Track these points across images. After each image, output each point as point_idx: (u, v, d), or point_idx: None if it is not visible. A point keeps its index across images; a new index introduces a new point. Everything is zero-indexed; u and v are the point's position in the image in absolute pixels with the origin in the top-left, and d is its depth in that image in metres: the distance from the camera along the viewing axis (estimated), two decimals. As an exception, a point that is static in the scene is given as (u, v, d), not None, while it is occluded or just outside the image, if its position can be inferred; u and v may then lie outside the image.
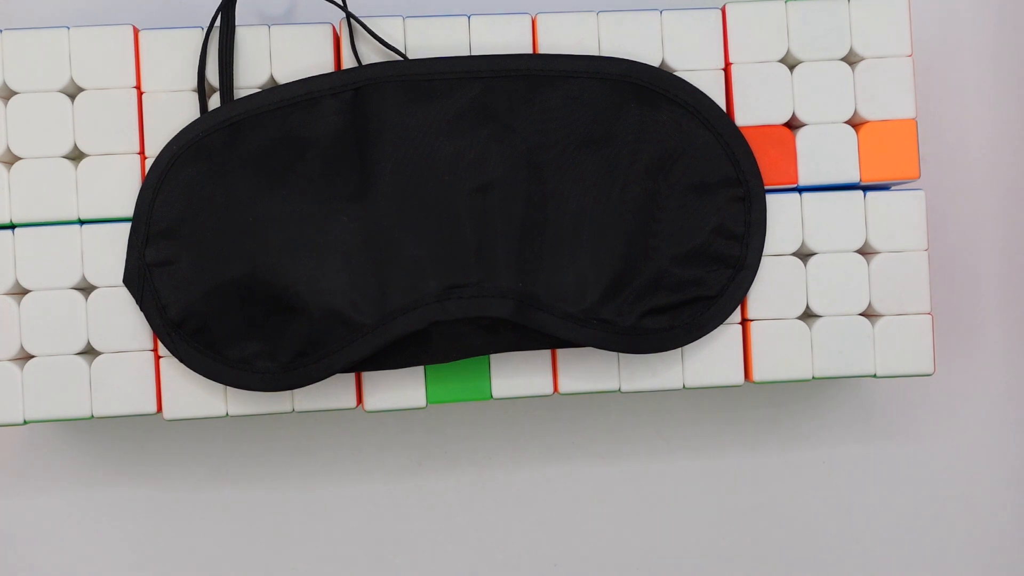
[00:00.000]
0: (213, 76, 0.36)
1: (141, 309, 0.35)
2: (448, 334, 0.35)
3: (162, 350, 0.35)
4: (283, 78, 0.36)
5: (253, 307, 0.34)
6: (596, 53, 0.37)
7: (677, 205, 0.36)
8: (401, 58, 0.36)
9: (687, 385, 0.37)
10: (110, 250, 0.35)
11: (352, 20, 0.36)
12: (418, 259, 0.34)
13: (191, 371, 0.35)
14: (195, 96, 0.36)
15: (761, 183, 0.36)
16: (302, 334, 0.34)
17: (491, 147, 0.35)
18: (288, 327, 0.34)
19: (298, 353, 0.34)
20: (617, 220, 0.35)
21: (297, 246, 0.34)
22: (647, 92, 0.36)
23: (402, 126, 0.35)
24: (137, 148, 0.36)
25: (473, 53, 0.36)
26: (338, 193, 0.35)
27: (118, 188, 0.35)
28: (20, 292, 0.35)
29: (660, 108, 0.36)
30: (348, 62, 0.36)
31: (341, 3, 0.36)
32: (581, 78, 0.36)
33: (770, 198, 0.37)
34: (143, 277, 0.34)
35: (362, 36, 0.36)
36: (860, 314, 0.37)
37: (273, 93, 0.35)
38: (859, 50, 0.37)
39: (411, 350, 0.35)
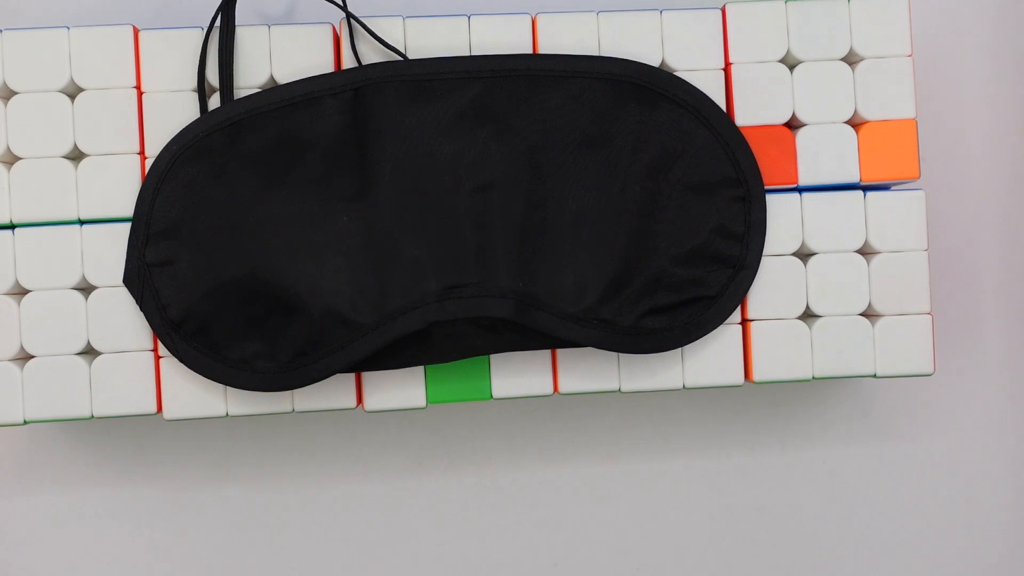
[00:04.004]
0: (213, 76, 0.36)
1: (141, 309, 0.35)
2: (448, 334, 0.35)
3: (162, 350, 0.35)
4: (283, 78, 0.36)
5: (253, 307, 0.34)
6: (596, 53, 0.37)
7: (677, 205, 0.36)
8: (401, 58, 0.36)
9: (687, 385, 0.37)
10: (110, 250, 0.35)
11: (352, 20, 0.36)
12: (418, 259, 0.34)
13: (191, 371, 0.35)
14: (195, 96, 0.36)
15: (761, 183, 0.36)
16: (302, 334, 0.34)
17: (491, 147, 0.35)
18: (288, 327, 0.34)
19: (298, 353, 0.34)
20: (617, 220, 0.35)
21: (297, 246, 0.34)
22: (647, 92, 0.36)
23: (402, 126, 0.35)
24: (137, 148, 0.36)
25: (473, 53, 0.36)
26: (338, 193, 0.35)
27: (118, 188, 0.35)
28: (20, 292, 0.35)
29: (660, 108, 0.36)
30: (348, 62, 0.36)
31: (341, 3, 0.36)
32: (581, 78, 0.36)
33: (770, 198, 0.37)
34: (143, 277, 0.34)
35: (362, 36, 0.36)
36: (860, 314, 0.37)
37: (273, 93, 0.35)
38: (859, 50, 0.37)
39: (411, 350, 0.35)
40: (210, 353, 0.34)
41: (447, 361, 0.35)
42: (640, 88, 0.36)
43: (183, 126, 0.35)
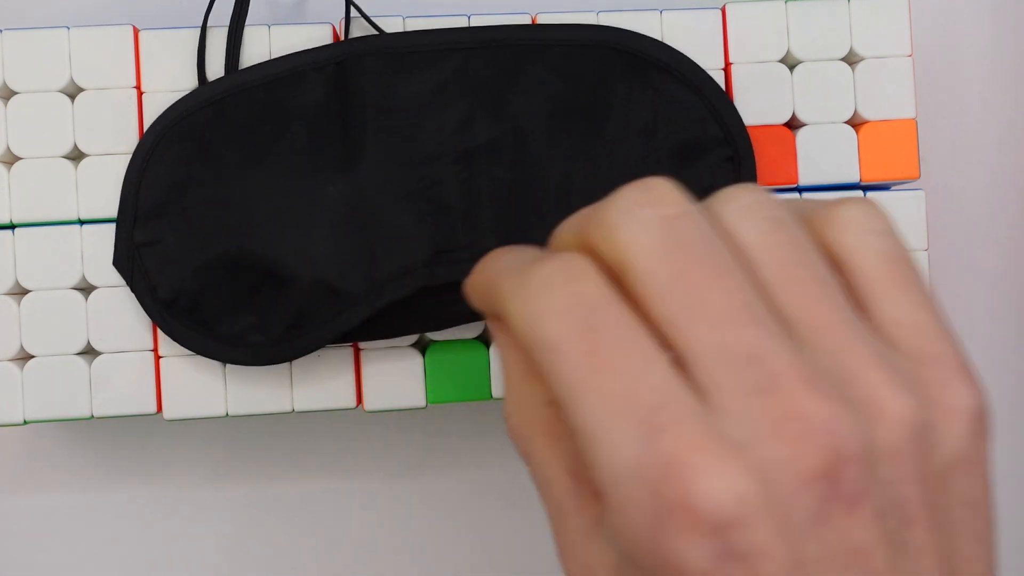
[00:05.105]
0: (214, 76, 0.36)
1: (132, 290, 0.34)
2: (438, 300, 0.35)
3: (162, 350, 0.35)
4: (283, 78, 0.36)
5: (243, 282, 0.34)
6: (596, 53, 0.37)
7: (666, 168, 0.35)
8: (380, 29, 0.36)
9: (687, 385, 0.37)
10: (110, 250, 0.35)
11: (351, 7, 0.36)
12: (405, 226, 0.34)
13: (191, 372, 0.35)
14: (195, 96, 0.36)
15: (749, 143, 0.36)
16: (292, 306, 0.34)
17: (475, 115, 0.35)
18: (278, 300, 0.34)
19: (289, 326, 0.34)
20: (606, 184, 0.35)
21: (284, 218, 0.35)
22: (632, 57, 0.36)
23: (385, 97, 0.35)
24: (137, 148, 0.36)
25: (473, 53, 0.36)
26: (323, 164, 0.35)
27: (118, 188, 0.35)
28: (20, 292, 0.35)
29: (646, 73, 0.36)
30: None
31: None
32: (564, 46, 0.35)
33: (770, 198, 0.37)
34: (132, 258, 0.34)
35: (361, 30, 0.36)
36: (860, 314, 0.37)
37: (256, 70, 0.35)
38: (859, 50, 0.37)
39: (402, 319, 0.35)
40: (202, 330, 0.34)
41: (439, 328, 0.35)
42: (625, 54, 0.36)
43: (183, 126, 0.35)
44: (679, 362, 0.20)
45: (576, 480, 0.24)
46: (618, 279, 0.21)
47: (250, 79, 0.35)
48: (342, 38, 0.36)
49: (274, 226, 0.35)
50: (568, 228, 0.24)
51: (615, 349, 0.20)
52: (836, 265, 0.22)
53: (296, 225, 0.35)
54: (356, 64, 0.35)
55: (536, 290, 0.21)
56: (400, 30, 0.36)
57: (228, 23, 0.36)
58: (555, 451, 0.24)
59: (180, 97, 0.35)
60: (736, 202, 0.22)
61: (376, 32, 0.36)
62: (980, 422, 0.22)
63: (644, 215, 0.21)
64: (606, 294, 0.20)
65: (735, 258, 0.21)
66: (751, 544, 0.18)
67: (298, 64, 0.35)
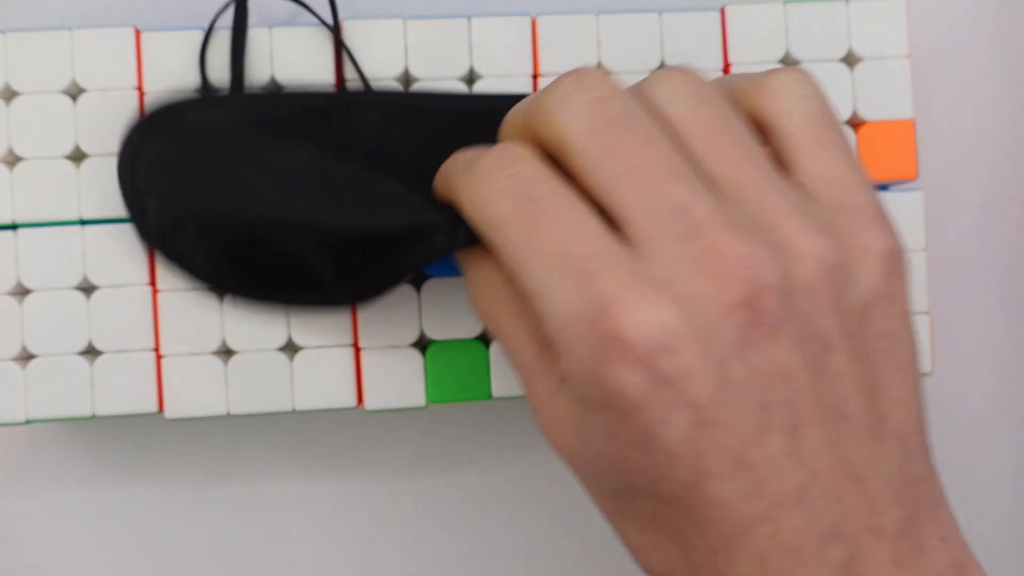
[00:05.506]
0: (215, 78, 0.36)
1: (173, 268, 0.34)
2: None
3: (163, 349, 0.35)
4: (284, 79, 0.36)
5: (270, 263, 0.33)
6: (595, 55, 0.37)
7: None
8: (369, 87, 0.36)
9: (686, 385, 0.37)
10: (112, 250, 0.35)
11: (340, 44, 0.36)
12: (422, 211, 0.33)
13: (192, 371, 0.35)
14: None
15: None
16: (326, 263, 0.33)
17: None
18: (309, 271, 0.33)
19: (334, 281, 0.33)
20: None
21: (297, 190, 0.34)
22: None
23: (388, 147, 0.35)
24: (139, 149, 0.36)
25: (473, 53, 0.37)
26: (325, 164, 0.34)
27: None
28: (22, 292, 0.36)
29: None
30: (348, 68, 0.36)
31: (332, 28, 0.36)
32: None
33: (769, 198, 0.37)
34: (163, 242, 0.34)
35: (358, 52, 0.36)
36: (859, 314, 0.37)
37: (264, 99, 0.35)
38: (857, 51, 0.38)
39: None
40: (257, 292, 0.34)
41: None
42: None
43: (184, 127, 0.35)
44: (617, 227, 0.23)
45: (540, 346, 0.26)
46: (561, 161, 0.24)
47: (250, 106, 0.35)
48: (341, 41, 0.37)
49: (289, 198, 0.33)
50: (515, 117, 0.26)
51: (550, 216, 0.22)
52: (765, 130, 0.25)
53: (307, 196, 0.33)
54: (354, 111, 0.35)
55: (480, 177, 0.24)
56: (401, 32, 0.36)
57: (231, 30, 0.36)
58: (519, 323, 0.26)
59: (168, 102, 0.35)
60: (665, 84, 0.24)
61: (364, 83, 0.36)
62: (893, 263, 0.24)
63: (576, 100, 0.23)
64: (542, 171, 0.23)
65: (662, 130, 0.23)
66: (678, 367, 0.21)
67: (300, 106, 0.35)
